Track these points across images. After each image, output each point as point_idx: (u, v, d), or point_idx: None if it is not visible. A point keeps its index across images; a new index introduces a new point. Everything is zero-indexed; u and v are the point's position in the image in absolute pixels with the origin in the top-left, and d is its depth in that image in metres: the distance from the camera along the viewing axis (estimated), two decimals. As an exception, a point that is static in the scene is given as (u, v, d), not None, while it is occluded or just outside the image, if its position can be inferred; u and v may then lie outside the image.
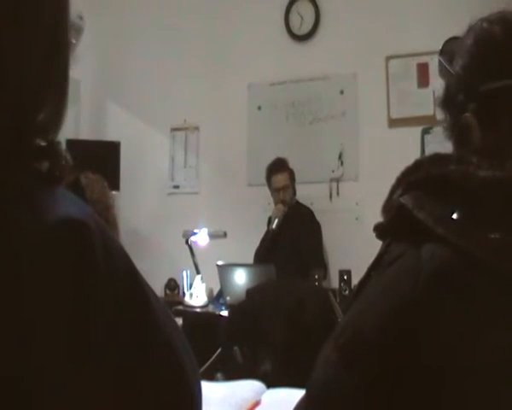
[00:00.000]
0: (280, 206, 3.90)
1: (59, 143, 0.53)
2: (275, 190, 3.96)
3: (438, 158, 0.70)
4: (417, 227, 0.63)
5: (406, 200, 0.66)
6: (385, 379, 0.61)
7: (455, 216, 0.62)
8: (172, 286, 4.49)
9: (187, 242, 3.72)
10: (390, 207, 0.70)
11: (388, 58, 4.24)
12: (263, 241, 3.90)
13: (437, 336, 0.59)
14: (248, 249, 3.88)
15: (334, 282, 3.81)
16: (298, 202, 4.08)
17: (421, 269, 0.62)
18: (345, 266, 3.60)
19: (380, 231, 0.72)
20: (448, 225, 0.61)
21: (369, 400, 0.62)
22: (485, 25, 0.74)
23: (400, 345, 0.60)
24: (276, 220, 3.83)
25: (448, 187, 0.64)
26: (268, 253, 3.78)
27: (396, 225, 0.68)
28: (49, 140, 0.52)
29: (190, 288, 3.65)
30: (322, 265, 3.83)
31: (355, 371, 0.62)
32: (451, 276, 0.61)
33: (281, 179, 3.94)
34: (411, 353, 0.60)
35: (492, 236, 0.59)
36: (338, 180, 4.31)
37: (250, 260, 3.86)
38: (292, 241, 3.78)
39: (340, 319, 2.86)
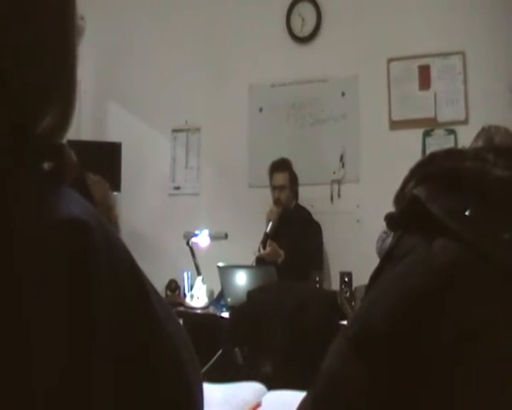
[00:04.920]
0: (274, 208, 3.91)
1: (64, 145, 0.53)
2: (273, 188, 3.99)
3: (453, 152, 0.69)
4: (429, 220, 0.63)
5: (420, 192, 0.66)
6: (394, 370, 0.61)
7: (468, 213, 0.61)
8: (173, 287, 4.49)
9: (188, 243, 3.72)
10: (402, 198, 0.70)
11: (390, 60, 4.24)
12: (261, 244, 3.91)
13: (446, 328, 0.59)
14: (249, 251, 3.88)
15: (335, 284, 3.80)
16: (297, 204, 4.08)
17: (433, 262, 0.62)
18: (345, 268, 3.60)
19: (390, 221, 0.72)
20: (461, 221, 0.61)
21: (378, 390, 0.62)
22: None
23: (410, 336, 0.60)
24: (270, 224, 3.84)
25: (462, 183, 0.64)
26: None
27: (408, 216, 0.68)
28: (54, 142, 0.52)
29: (191, 289, 3.65)
30: (320, 267, 3.82)
31: (365, 362, 0.62)
32: (463, 270, 0.61)
33: (279, 178, 3.96)
34: (421, 344, 0.60)
35: (507, 236, 0.59)
36: (339, 182, 4.31)
37: (251, 261, 3.86)
38: (291, 243, 3.78)
39: (347, 320, 2.86)
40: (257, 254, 3.75)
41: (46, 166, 0.50)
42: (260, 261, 3.83)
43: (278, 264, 3.61)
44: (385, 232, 2.73)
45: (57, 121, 0.52)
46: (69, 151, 0.52)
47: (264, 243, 3.85)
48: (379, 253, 2.76)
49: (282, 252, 3.68)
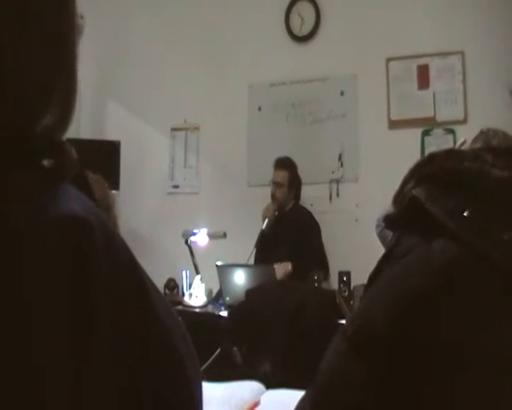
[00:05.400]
0: (269, 205, 3.94)
1: (64, 142, 0.53)
2: (272, 183, 4.00)
3: (452, 153, 0.69)
4: (429, 221, 0.63)
5: (419, 192, 0.66)
6: (393, 369, 0.61)
7: (466, 213, 0.61)
8: (172, 286, 4.49)
9: (186, 242, 3.72)
10: (402, 198, 0.70)
11: (389, 60, 4.24)
12: (257, 242, 3.91)
13: (446, 328, 0.59)
14: (248, 250, 3.88)
15: (334, 283, 3.80)
16: (296, 204, 4.09)
17: (432, 261, 0.62)
18: (344, 268, 3.60)
19: (390, 221, 0.72)
20: (460, 222, 0.61)
21: (377, 389, 0.62)
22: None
23: (409, 335, 0.60)
24: (266, 221, 3.86)
25: (461, 183, 0.64)
26: (267, 254, 3.78)
27: (407, 216, 0.68)
28: (55, 140, 0.52)
29: (190, 288, 3.65)
30: (324, 266, 3.83)
31: (363, 361, 0.62)
32: (461, 270, 0.61)
33: (278, 175, 3.98)
34: (420, 343, 0.60)
35: (506, 237, 0.59)
36: (338, 181, 4.31)
37: (250, 260, 3.86)
38: (291, 243, 3.78)
39: (345, 320, 2.86)
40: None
41: (46, 163, 0.50)
42: (258, 261, 3.84)
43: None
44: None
45: (57, 120, 0.52)
46: (70, 148, 0.52)
47: (259, 242, 3.86)
48: (379, 234, 2.78)
49: (289, 267, 3.68)
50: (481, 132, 2.13)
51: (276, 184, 3.97)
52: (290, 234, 3.83)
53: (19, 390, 0.40)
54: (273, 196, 3.97)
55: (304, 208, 4.09)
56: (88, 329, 0.44)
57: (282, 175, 3.97)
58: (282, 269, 3.65)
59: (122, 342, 0.47)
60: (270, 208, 3.93)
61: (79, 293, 0.44)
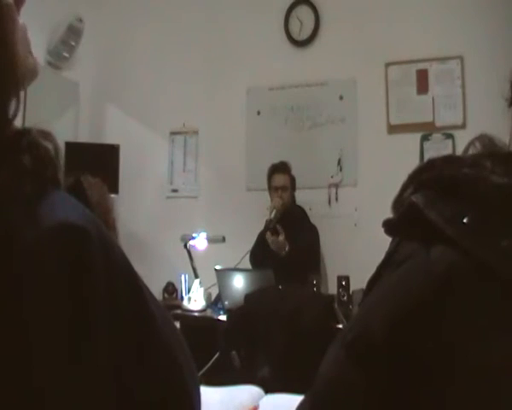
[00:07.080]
0: (278, 199, 3.91)
1: (30, 130, 0.51)
2: (274, 189, 3.98)
3: (451, 159, 0.69)
4: (428, 227, 0.63)
5: (417, 198, 0.66)
6: (392, 377, 0.60)
7: (466, 220, 0.61)
8: (171, 290, 4.49)
9: (185, 246, 3.72)
10: (400, 204, 0.70)
11: (388, 64, 4.25)
12: (257, 241, 3.90)
13: (444, 336, 0.59)
14: (247, 254, 3.88)
15: (332, 287, 3.80)
16: (295, 205, 4.08)
17: (432, 268, 0.62)
18: (343, 272, 3.60)
19: (389, 227, 0.72)
20: (459, 228, 0.61)
21: (376, 397, 0.62)
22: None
23: (407, 343, 0.60)
24: (275, 211, 3.83)
25: (460, 190, 0.64)
26: (265, 255, 3.77)
27: (406, 223, 0.68)
28: (23, 129, 0.50)
29: (188, 292, 3.65)
30: (317, 268, 3.83)
31: (362, 369, 0.62)
32: (461, 277, 0.61)
33: (281, 179, 3.98)
34: (418, 351, 0.60)
35: (504, 243, 0.59)
36: (337, 186, 4.31)
37: (248, 264, 3.86)
38: (289, 242, 3.77)
39: (342, 325, 2.85)
40: (270, 238, 3.73)
41: (25, 160, 0.48)
42: (256, 263, 3.83)
43: (282, 257, 3.64)
44: None
45: (5, 96, 0.50)
46: (42, 142, 0.50)
47: (266, 230, 3.85)
48: None
49: (287, 245, 3.70)
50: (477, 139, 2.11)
51: (281, 188, 3.96)
52: (290, 234, 3.82)
53: (19, 391, 0.40)
54: (282, 197, 3.94)
55: (297, 206, 4.09)
56: (86, 335, 0.44)
57: (285, 178, 3.98)
58: (282, 244, 3.66)
59: (121, 350, 0.47)
60: (279, 202, 3.89)
61: (78, 300, 0.43)
